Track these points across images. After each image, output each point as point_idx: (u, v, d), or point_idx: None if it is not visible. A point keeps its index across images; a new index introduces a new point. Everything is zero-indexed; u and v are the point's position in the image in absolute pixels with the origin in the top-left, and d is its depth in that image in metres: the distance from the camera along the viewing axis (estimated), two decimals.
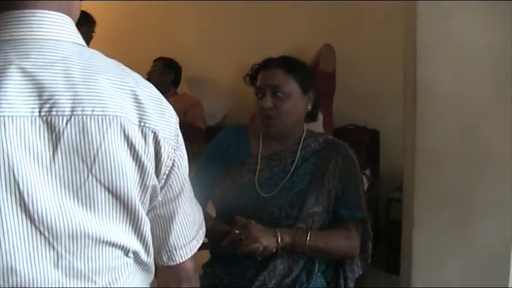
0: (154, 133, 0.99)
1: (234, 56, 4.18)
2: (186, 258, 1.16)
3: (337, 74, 3.95)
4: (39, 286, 0.90)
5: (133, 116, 0.96)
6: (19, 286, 0.89)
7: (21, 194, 0.88)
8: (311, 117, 2.10)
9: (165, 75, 4.31)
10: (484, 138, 2.05)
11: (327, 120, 3.73)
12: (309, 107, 2.03)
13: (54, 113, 0.89)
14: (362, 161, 4.01)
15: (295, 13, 4.33)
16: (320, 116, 3.55)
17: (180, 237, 1.13)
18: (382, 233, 3.89)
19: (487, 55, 2.01)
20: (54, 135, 0.90)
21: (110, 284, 0.98)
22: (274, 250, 1.88)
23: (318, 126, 3.37)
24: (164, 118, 1.03)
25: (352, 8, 4.12)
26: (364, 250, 2.07)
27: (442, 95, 2.04)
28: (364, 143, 4.01)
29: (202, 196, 2.09)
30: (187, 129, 4.04)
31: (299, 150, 2.02)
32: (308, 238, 1.90)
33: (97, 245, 0.95)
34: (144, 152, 0.97)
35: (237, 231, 1.88)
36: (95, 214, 0.94)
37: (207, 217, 2.06)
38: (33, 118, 0.88)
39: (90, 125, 0.91)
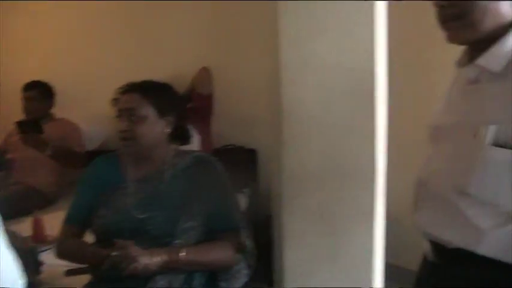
0: None
1: (112, 80, 4.12)
2: None
3: (215, 96, 4.04)
4: None
5: None
6: None
7: None
8: (181, 139, 2.18)
9: (42, 103, 4.18)
10: (347, 157, 2.19)
11: (206, 141, 3.80)
12: (168, 130, 2.10)
13: None
14: (241, 180, 4.12)
15: (175, 36, 4.38)
16: (196, 138, 3.62)
17: None
18: (261, 250, 3.98)
19: (347, 78, 2.16)
20: None
21: None
22: (154, 268, 1.90)
23: (193, 148, 3.42)
24: None
25: (230, 32, 4.23)
26: (245, 259, 2.15)
27: (306, 115, 2.17)
28: (242, 163, 4.12)
29: (80, 226, 2.12)
30: (66, 154, 3.98)
31: (167, 169, 2.09)
32: (184, 254, 1.94)
33: None
34: None
35: (115, 253, 1.90)
36: None
37: (82, 245, 2.10)
38: None
39: None
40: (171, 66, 4.20)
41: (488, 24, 1.40)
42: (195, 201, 2.05)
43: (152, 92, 2.09)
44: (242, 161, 4.17)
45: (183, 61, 4.26)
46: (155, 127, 2.07)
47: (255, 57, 3.91)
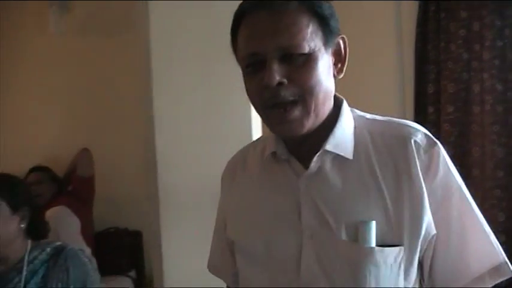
0: None
1: None
2: None
3: (96, 178, 3.94)
4: None
5: None
6: None
7: None
8: (35, 234, 2.02)
9: None
10: None
11: (87, 226, 3.66)
12: (23, 225, 1.97)
13: None
14: (126, 263, 4.01)
15: (49, 117, 4.30)
16: (77, 223, 3.50)
17: None
18: None
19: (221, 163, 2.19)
20: None
21: None
22: None
23: (71, 235, 3.30)
24: None
25: (108, 112, 4.21)
26: None
27: (182, 200, 2.17)
28: (127, 245, 4.03)
29: None
30: None
31: (25, 265, 1.93)
32: None
33: None
34: None
35: None
36: None
37: None
38: None
39: None
40: (50, 148, 4.11)
41: (328, 107, 1.16)
42: None
43: (1, 187, 1.93)
44: (126, 243, 4.08)
45: (61, 142, 4.16)
46: (9, 225, 1.92)
47: (132, 140, 3.85)
